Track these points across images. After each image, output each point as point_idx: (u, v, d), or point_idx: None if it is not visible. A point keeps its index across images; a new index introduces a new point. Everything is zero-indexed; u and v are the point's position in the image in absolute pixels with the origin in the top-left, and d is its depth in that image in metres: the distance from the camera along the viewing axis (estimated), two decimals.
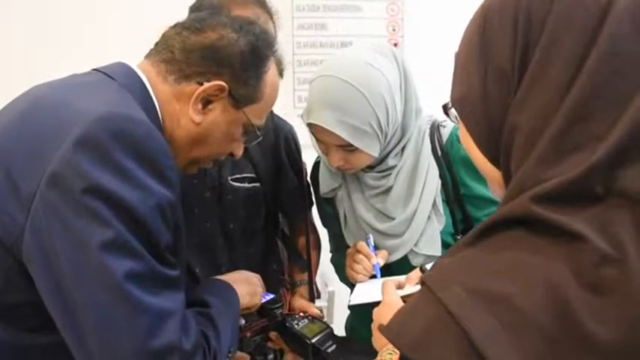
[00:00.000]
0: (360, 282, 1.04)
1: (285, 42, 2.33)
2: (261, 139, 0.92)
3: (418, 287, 0.90)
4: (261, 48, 0.83)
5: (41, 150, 0.64)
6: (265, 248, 1.24)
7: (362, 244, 1.09)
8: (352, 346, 0.97)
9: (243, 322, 0.98)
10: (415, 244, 1.08)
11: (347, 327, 1.32)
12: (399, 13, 2.69)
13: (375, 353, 0.93)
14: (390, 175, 1.11)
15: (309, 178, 1.27)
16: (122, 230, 0.62)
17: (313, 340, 0.97)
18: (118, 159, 0.63)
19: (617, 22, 0.44)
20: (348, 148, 1.03)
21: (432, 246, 1.08)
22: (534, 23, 0.48)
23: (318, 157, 1.26)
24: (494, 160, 0.54)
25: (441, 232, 1.10)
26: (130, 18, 2.28)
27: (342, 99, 0.98)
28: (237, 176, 1.14)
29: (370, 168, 1.12)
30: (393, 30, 2.69)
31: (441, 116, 1.12)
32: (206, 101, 0.79)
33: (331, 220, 1.24)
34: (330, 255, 1.32)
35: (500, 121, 0.50)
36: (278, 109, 1.15)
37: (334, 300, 2.02)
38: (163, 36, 0.83)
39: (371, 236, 1.10)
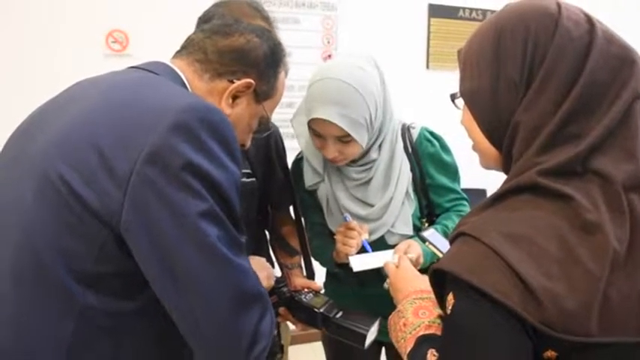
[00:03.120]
0: (352, 255, 1.21)
1: None
2: (269, 131, 1.05)
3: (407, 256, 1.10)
4: (278, 52, 0.97)
5: (132, 136, 0.71)
6: (258, 238, 1.38)
7: (354, 223, 1.26)
8: (353, 312, 1.12)
9: None
10: (392, 226, 1.28)
11: None
12: (333, 27, 2.89)
13: (371, 315, 1.12)
14: (370, 168, 1.30)
15: (290, 174, 1.42)
16: (213, 203, 0.72)
17: (321, 310, 1.11)
18: (205, 141, 0.73)
19: (595, 59, 0.66)
20: (344, 139, 1.20)
21: (405, 227, 1.29)
22: (539, 50, 0.67)
23: (298, 154, 1.43)
24: (494, 143, 0.73)
25: (412, 216, 1.31)
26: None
27: (343, 96, 1.16)
28: None
29: (353, 162, 1.30)
30: (328, 42, 2.89)
31: (406, 120, 1.35)
32: (234, 96, 0.91)
33: (312, 210, 1.40)
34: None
35: (507, 117, 0.70)
36: None
37: None
38: (191, 39, 0.93)
39: (349, 215, 1.28)
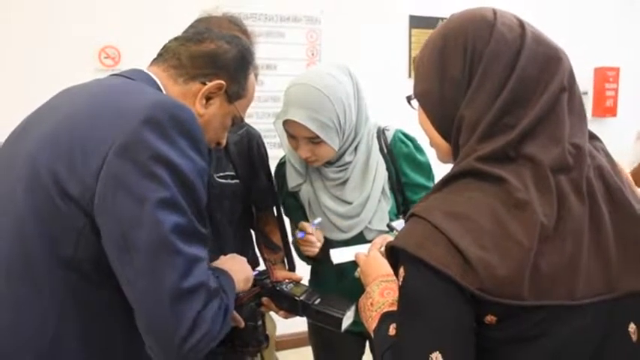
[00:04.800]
0: (333, 250, 1.30)
1: None
2: (243, 128, 1.12)
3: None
4: (246, 55, 1.05)
5: (108, 132, 0.80)
6: (243, 236, 1.47)
7: (304, 224, 1.36)
8: (332, 298, 1.21)
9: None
10: (369, 222, 1.38)
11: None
12: (317, 40, 3.01)
13: (348, 301, 1.20)
14: (346, 169, 1.40)
15: (273, 176, 1.52)
16: (175, 191, 0.79)
17: (301, 297, 1.20)
18: (173, 135, 0.81)
19: (525, 57, 0.75)
20: (315, 140, 1.31)
21: (382, 223, 1.38)
22: (477, 52, 0.76)
23: (282, 158, 1.52)
24: (444, 136, 0.82)
25: (388, 213, 1.40)
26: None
27: (313, 100, 1.27)
28: (221, 174, 1.36)
29: (330, 164, 1.40)
30: (312, 54, 3.00)
31: (381, 123, 1.45)
32: (207, 97, 0.99)
33: (294, 210, 1.50)
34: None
35: (453, 113, 0.78)
36: None
37: None
38: (167, 47, 1.02)
39: (319, 219, 1.38)
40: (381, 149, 1.42)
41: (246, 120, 1.53)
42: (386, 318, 0.89)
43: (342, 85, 1.31)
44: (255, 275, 1.25)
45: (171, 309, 0.78)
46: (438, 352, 0.70)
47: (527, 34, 0.77)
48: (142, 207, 0.77)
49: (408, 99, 0.90)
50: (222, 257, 1.14)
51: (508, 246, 0.69)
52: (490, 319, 0.71)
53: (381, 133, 1.44)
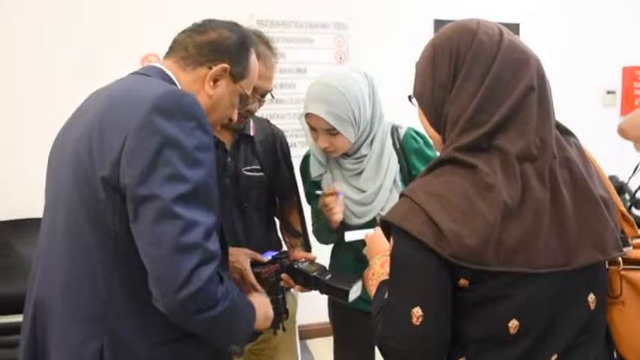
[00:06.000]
0: (347, 232, 1.46)
1: None
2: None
3: None
4: (246, 40, 1.17)
5: (126, 121, 0.94)
6: (268, 221, 1.64)
7: (328, 191, 1.52)
8: (341, 275, 1.37)
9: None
10: (381, 209, 1.54)
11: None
12: (345, 44, 3.13)
13: (355, 277, 1.35)
14: (362, 161, 1.57)
15: (298, 169, 1.70)
16: (180, 166, 0.91)
17: (315, 274, 1.36)
18: (179, 118, 0.94)
19: (500, 61, 0.85)
20: (332, 131, 1.48)
21: None
22: (460, 57, 0.86)
23: (306, 152, 1.70)
24: (437, 130, 0.93)
25: None
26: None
27: (330, 96, 1.45)
28: (249, 167, 1.53)
29: (348, 156, 1.57)
30: (340, 58, 3.13)
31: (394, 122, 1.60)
32: (215, 80, 1.11)
33: (316, 198, 1.65)
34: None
35: (441, 109, 0.90)
36: None
37: None
38: (176, 40, 1.15)
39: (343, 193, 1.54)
40: (394, 144, 1.58)
41: (279, 120, 1.72)
42: (383, 285, 1.02)
43: (357, 84, 1.48)
44: (275, 255, 1.42)
45: (170, 259, 0.89)
46: (419, 307, 0.83)
47: (504, 41, 0.87)
48: (149, 179, 0.90)
49: (409, 98, 1.01)
50: (253, 294, 1.29)
51: (476, 221, 0.80)
52: (463, 282, 0.83)
53: (394, 130, 1.61)
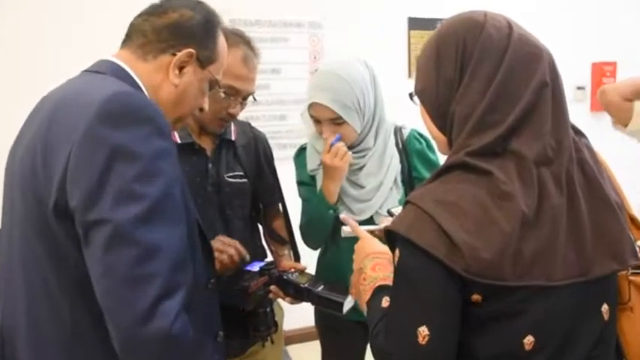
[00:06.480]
0: (345, 227, 1.37)
1: None
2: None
3: (379, 226, 1.27)
4: (211, 19, 1.03)
5: (70, 129, 0.82)
6: (252, 229, 1.57)
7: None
8: (334, 285, 1.31)
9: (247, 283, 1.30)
10: (379, 207, 1.49)
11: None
12: (319, 44, 3.09)
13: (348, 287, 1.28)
14: (365, 155, 1.53)
15: (292, 160, 1.65)
16: (133, 181, 0.79)
17: (306, 285, 1.30)
18: (128, 124, 0.82)
19: (511, 56, 0.80)
20: (337, 121, 1.45)
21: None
22: (467, 52, 0.81)
23: (301, 145, 1.66)
24: (441, 130, 0.88)
25: (398, 202, 1.51)
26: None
27: (334, 84, 1.43)
28: (231, 174, 1.45)
29: (351, 148, 1.51)
30: (315, 58, 3.09)
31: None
32: (180, 67, 0.98)
33: (310, 190, 1.60)
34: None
35: (447, 108, 0.84)
36: None
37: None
38: (132, 24, 1.00)
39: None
40: (396, 144, 1.56)
41: (254, 123, 1.64)
42: (379, 291, 0.95)
43: (360, 73, 1.46)
44: (263, 266, 1.35)
45: (122, 292, 0.78)
46: (425, 327, 0.77)
47: (513, 34, 0.81)
48: (99, 200, 0.78)
49: (410, 95, 0.95)
50: None
51: (492, 232, 0.74)
52: (476, 297, 0.78)
53: (398, 130, 1.58)
